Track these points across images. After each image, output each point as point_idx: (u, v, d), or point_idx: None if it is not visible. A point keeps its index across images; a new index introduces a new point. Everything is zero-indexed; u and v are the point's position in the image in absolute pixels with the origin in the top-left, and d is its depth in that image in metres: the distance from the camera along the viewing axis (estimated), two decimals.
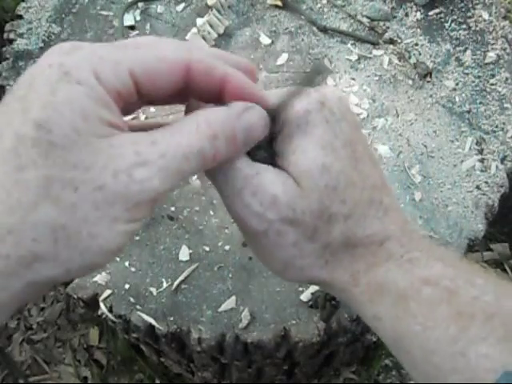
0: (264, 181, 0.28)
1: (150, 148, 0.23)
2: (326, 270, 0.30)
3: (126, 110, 0.26)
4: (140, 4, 0.73)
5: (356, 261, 0.30)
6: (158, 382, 1.01)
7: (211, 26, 0.69)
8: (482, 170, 0.61)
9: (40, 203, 0.21)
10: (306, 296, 0.54)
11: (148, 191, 0.24)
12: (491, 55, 0.69)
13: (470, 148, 0.63)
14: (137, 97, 0.25)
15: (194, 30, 0.68)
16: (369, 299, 0.29)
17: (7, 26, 0.72)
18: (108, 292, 0.54)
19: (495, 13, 0.72)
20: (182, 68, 0.25)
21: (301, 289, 0.55)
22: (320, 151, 0.28)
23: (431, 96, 0.67)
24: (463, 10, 0.73)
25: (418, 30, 0.72)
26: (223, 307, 0.54)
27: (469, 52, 0.70)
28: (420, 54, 0.70)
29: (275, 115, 0.29)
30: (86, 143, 0.22)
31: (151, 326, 0.53)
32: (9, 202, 0.21)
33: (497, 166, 0.61)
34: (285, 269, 0.30)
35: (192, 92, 0.27)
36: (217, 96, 0.27)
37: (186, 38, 0.68)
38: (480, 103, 0.66)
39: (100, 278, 0.55)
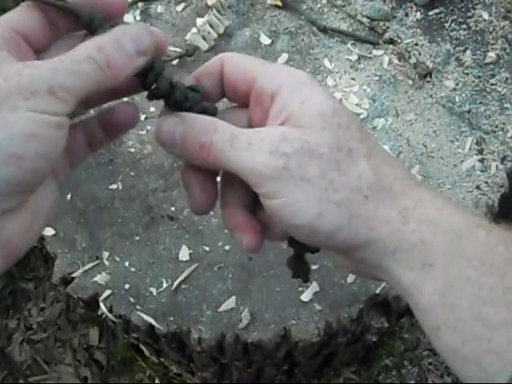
0: (267, 129, 0.29)
1: (41, 61, 0.26)
2: (367, 205, 0.27)
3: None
4: (140, 4, 0.73)
5: (399, 198, 0.28)
6: (157, 382, 1.01)
7: (211, 25, 0.69)
8: (482, 170, 0.61)
9: None
10: (306, 296, 0.54)
11: (38, 80, 0.25)
12: (491, 55, 0.69)
13: (470, 148, 0.63)
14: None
15: (194, 29, 0.68)
16: (420, 239, 0.27)
17: None
18: (108, 292, 0.54)
19: (495, 13, 0.72)
20: None
21: (301, 289, 0.55)
22: (330, 99, 0.29)
23: (431, 96, 0.67)
24: (463, 9, 0.73)
25: (418, 30, 0.72)
26: (223, 307, 0.54)
27: (469, 52, 0.70)
28: (420, 54, 0.70)
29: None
30: None
31: (151, 326, 0.53)
32: None
33: (497, 166, 0.61)
34: (319, 212, 0.27)
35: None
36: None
37: (186, 38, 0.69)
38: (480, 103, 0.66)
39: (100, 278, 0.55)
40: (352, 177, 0.28)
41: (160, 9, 0.73)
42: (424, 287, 0.26)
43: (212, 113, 0.31)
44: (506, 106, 0.66)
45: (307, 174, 0.27)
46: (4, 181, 0.25)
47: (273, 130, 0.29)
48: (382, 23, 0.72)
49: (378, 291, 0.54)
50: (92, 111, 0.35)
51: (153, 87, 0.30)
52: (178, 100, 0.30)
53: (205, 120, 0.30)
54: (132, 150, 0.63)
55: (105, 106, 0.33)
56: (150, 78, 0.30)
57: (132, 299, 0.54)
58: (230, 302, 0.54)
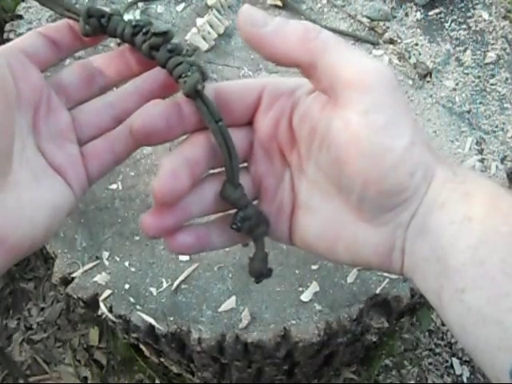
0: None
1: None
2: (431, 153, 0.28)
3: None
4: (140, 4, 0.73)
5: (442, 156, 0.28)
6: (157, 382, 1.01)
7: (211, 25, 0.69)
8: (482, 170, 0.61)
9: None
10: (306, 296, 0.54)
11: None
12: (491, 55, 0.69)
13: (470, 148, 0.63)
14: None
15: (194, 29, 0.68)
16: (465, 191, 0.27)
17: (7, 26, 0.72)
18: (108, 292, 0.54)
19: (495, 13, 0.72)
20: None
21: (301, 289, 0.55)
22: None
23: (431, 96, 0.67)
24: (463, 9, 0.73)
25: (418, 29, 0.72)
26: (223, 307, 0.54)
27: (469, 52, 0.70)
28: (420, 54, 0.70)
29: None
30: None
31: (151, 326, 0.53)
32: None
33: (497, 166, 0.61)
34: (413, 141, 0.27)
35: None
36: None
37: (186, 38, 0.69)
38: (480, 103, 0.66)
39: (100, 278, 0.55)
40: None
41: (160, 9, 0.73)
42: (459, 243, 0.26)
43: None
44: (506, 106, 0.66)
45: (404, 100, 0.27)
46: None
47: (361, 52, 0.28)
48: (382, 23, 0.72)
49: (378, 291, 0.54)
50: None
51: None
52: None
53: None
54: None
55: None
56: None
57: (132, 299, 0.54)
58: (230, 302, 0.54)
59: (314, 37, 0.27)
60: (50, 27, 0.32)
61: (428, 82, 0.68)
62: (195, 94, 0.28)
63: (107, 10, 0.31)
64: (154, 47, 0.29)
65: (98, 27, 0.31)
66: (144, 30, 0.30)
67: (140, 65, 0.32)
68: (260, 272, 0.34)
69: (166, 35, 0.29)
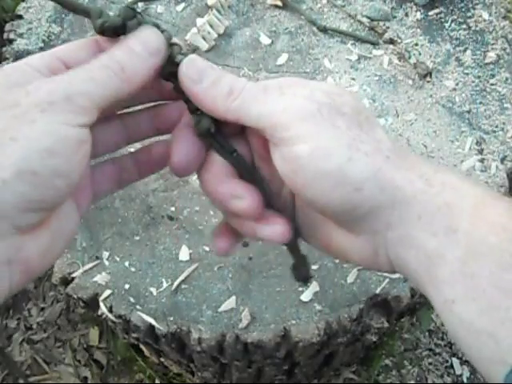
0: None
1: (59, 75, 0.27)
2: (390, 164, 0.28)
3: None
4: (140, 4, 0.73)
5: (418, 165, 0.28)
6: (157, 382, 1.01)
7: (211, 25, 0.69)
8: (482, 170, 0.61)
9: None
10: (306, 296, 0.54)
11: (55, 91, 0.25)
12: (491, 55, 0.69)
13: (470, 148, 0.63)
14: None
15: (194, 29, 0.68)
16: (445, 202, 0.27)
17: (7, 26, 0.72)
18: (108, 292, 0.54)
19: (495, 13, 0.72)
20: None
21: (301, 289, 0.55)
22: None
23: (431, 96, 0.67)
24: (463, 9, 0.73)
25: (418, 30, 0.72)
26: (223, 307, 0.54)
27: (469, 52, 0.70)
28: (420, 54, 0.70)
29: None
30: None
31: (151, 326, 0.53)
32: None
33: (497, 166, 0.61)
34: (350, 158, 0.27)
35: None
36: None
37: (186, 38, 0.69)
38: (480, 103, 0.66)
39: (100, 278, 0.55)
40: (373, 138, 0.28)
41: (160, 9, 0.73)
42: (446, 255, 0.26)
43: None
44: (506, 106, 0.66)
45: (336, 123, 0.28)
46: (20, 197, 0.24)
47: (302, 88, 0.29)
48: (382, 23, 0.72)
49: (378, 291, 0.54)
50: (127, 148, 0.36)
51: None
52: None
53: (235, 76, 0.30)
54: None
55: (142, 143, 0.34)
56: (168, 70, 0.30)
57: (132, 299, 0.54)
58: (230, 302, 0.54)
59: (235, 97, 0.29)
60: (94, 40, 0.31)
61: (428, 81, 0.68)
62: (209, 135, 0.30)
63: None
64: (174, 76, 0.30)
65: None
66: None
67: None
68: (305, 276, 0.36)
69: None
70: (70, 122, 0.25)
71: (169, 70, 0.30)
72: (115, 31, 0.29)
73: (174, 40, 0.30)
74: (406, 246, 0.28)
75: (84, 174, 0.28)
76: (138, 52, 0.28)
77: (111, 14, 0.29)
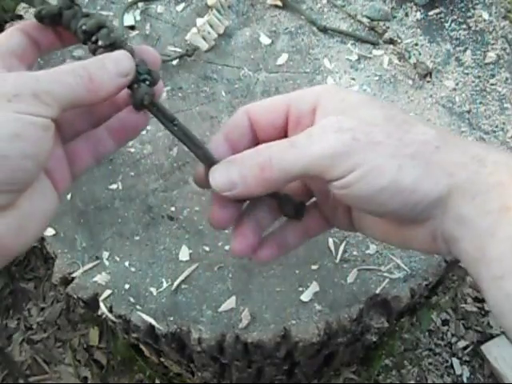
0: (320, 122, 0.30)
1: (28, 71, 0.29)
2: (440, 154, 0.29)
3: None
4: (140, 4, 0.73)
5: (469, 147, 0.29)
6: (157, 382, 1.01)
7: (211, 25, 0.69)
8: None
9: None
10: (306, 296, 0.54)
11: (22, 85, 0.27)
12: (491, 55, 0.69)
13: None
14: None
15: (194, 29, 0.68)
16: (498, 181, 0.27)
17: (7, 26, 0.72)
18: (108, 292, 0.54)
19: (495, 13, 0.72)
20: None
21: (301, 289, 0.55)
22: (363, 93, 0.33)
23: (431, 96, 0.67)
24: (463, 9, 0.73)
25: (418, 30, 0.72)
26: (223, 307, 0.54)
27: (469, 52, 0.70)
28: (420, 54, 0.70)
29: None
30: None
31: (151, 326, 0.53)
32: None
33: None
34: (399, 166, 0.28)
35: None
36: None
37: (186, 38, 0.69)
38: (480, 103, 0.66)
39: (100, 277, 0.55)
40: (417, 134, 0.29)
41: (160, 9, 0.73)
42: (498, 233, 0.27)
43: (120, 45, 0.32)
44: (506, 106, 0.66)
45: (375, 139, 0.28)
46: None
47: (326, 120, 0.30)
48: (382, 23, 0.72)
49: (377, 291, 0.54)
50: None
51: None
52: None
53: (254, 148, 0.31)
54: (132, 149, 0.63)
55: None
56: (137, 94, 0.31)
57: (132, 299, 0.54)
58: (230, 302, 0.54)
59: (268, 171, 0.30)
60: (30, 25, 0.32)
61: (428, 81, 0.68)
62: (144, 107, 0.32)
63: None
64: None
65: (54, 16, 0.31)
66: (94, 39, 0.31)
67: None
68: (293, 214, 0.36)
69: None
70: (34, 113, 0.27)
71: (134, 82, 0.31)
72: (52, 19, 0.31)
73: (137, 59, 0.31)
74: (459, 226, 0.29)
75: (55, 156, 0.30)
76: (109, 69, 0.29)
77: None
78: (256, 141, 0.34)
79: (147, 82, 0.31)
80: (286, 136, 0.33)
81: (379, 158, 0.28)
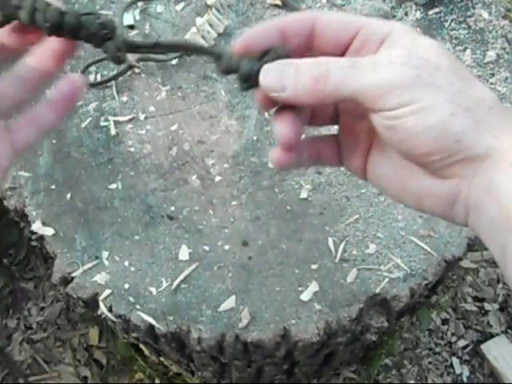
0: (388, 51, 0.30)
1: None
2: (491, 115, 0.29)
3: None
4: (139, 3, 0.73)
5: (507, 121, 0.30)
6: (157, 381, 1.01)
7: (211, 25, 0.69)
8: None
9: None
10: (305, 296, 0.54)
11: None
12: (491, 54, 0.69)
13: None
14: None
15: (194, 29, 0.68)
16: None
17: None
18: (108, 292, 0.54)
19: (495, 12, 0.72)
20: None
21: (300, 288, 0.55)
22: (435, 40, 0.32)
23: None
24: (463, 9, 0.73)
25: (418, 29, 0.72)
26: (223, 307, 0.54)
27: (468, 51, 0.70)
28: None
29: None
30: None
31: (151, 326, 0.53)
32: None
33: None
34: (452, 113, 0.28)
35: None
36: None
37: (186, 37, 0.68)
38: None
39: (100, 277, 0.55)
40: (476, 90, 0.29)
41: (160, 8, 0.73)
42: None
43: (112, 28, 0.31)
44: (506, 105, 0.66)
45: (437, 82, 0.29)
46: None
47: (395, 50, 0.30)
48: None
49: (377, 291, 0.54)
50: None
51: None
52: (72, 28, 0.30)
53: (313, 59, 0.30)
54: (131, 149, 0.63)
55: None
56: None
57: (132, 299, 0.54)
58: (230, 302, 0.54)
59: (323, 84, 0.29)
60: None
61: None
62: (120, 61, 0.31)
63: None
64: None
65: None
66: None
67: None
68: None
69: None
70: None
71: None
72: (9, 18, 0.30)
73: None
74: (489, 192, 0.29)
75: None
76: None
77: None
78: (308, 50, 0.33)
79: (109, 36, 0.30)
80: (342, 56, 0.33)
81: (436, 100, 0.28)
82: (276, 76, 0.30)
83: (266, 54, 0.31)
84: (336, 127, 0.37)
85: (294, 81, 0.30)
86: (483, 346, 1.06)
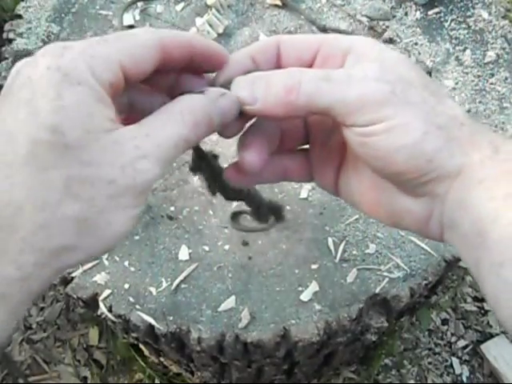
0: (361, 66, 0.30)
1: (146, 141, 0.27)
2: (463, 132, 0.29)
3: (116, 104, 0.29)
4: (139, 3, 0.73)
5: (488, 132, 0.30)
6: (157, 381, 1.01)
7: (211, 25, 0.69)
8: None
9: (64, 200, 0.24)
10: (305, 296, 0.54)
11: (151, 179, 0.27)
12: (491, 54, 0.69)
13: None
14: (124, 84, 0.28)
15: (194, 29, 0.68)
16: (509, 170, 0.28)
17: (7, 26, 0.72)
18: (108, 292, 0.54)
19: (495, 12, 0.72)
20: (157, 46, 0.29)
21: (300, 288, 0.55)
22: (400, 53, 0.32)
23: None
24: (463, 9, 0.73)
25: (418, 29, 0.72)
26: (223, 307, 0.54)
27: (468, 51, 0.70)
28: (419, 54, 0.70)
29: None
30: (95, 141, 0.25)
31: (151, 326, 0.53)
32: (37, 201, 0.24)
33: None
34: (425, 132, 0.28)
35: (172, 67, 0.31)
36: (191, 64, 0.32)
37: None
38: (479, 102, 0.66)
39: (100, 277, 0.55)
40: (447, 107, 0.29)
41: (159, 8, 0.73)
42: (500, 219, 0.26)
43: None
44: (505, 105, 0.66)
45: (411, 99, 0.28)
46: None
47: (367, 66, 0.29)
48: (381, 22, 0.72)
49: (377, 291, 0.54)
50: None
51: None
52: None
53: (285, 69, 0.30)
54: None
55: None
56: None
57: (131, 299, 0.54)
58: (230, 302, 0.54)
59: (295, 95, 0.29)
60: None
61: None
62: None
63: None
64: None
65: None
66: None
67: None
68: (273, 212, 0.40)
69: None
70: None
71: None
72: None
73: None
74: (461, 209, 0.28)
75: None
76: (215, 126, 0.30)
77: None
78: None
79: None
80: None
81: (410, 118, 0.28)
82: (248, 88, 0.30)
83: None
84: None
85: (265, 92, 0.30)
86: (483, 346, 1.06)
